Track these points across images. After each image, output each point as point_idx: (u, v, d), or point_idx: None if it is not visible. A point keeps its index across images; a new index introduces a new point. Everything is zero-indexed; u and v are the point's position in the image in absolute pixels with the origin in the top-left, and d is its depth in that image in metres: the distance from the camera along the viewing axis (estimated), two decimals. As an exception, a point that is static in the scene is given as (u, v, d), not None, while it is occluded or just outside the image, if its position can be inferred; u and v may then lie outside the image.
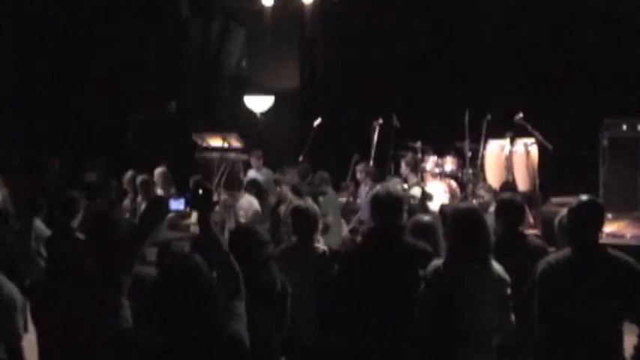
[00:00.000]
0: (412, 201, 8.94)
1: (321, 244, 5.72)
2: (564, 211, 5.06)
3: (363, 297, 4.85)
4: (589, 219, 4.49)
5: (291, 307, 5.13)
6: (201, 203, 3.70)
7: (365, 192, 10.55)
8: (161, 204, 3.87)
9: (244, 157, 12.28)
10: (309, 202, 6.00)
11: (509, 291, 4.60)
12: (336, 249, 7.16)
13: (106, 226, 4.26)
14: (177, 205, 3.81)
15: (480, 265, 4.57)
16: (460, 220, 4.71)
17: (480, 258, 4.58)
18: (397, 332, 4.71)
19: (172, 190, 10.47)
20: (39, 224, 7.28)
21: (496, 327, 4.59)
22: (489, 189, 9.17)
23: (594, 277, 4.37)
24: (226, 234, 9.06)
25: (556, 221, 5.16)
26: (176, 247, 4.92)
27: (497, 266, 4.63)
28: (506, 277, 4.62)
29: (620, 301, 4.36)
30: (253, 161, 12.07)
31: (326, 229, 8.74)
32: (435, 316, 4.52)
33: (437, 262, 4.67)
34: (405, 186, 10.63)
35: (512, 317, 4.63)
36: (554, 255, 4.64)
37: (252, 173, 11.77)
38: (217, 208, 9.05)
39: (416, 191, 9.77)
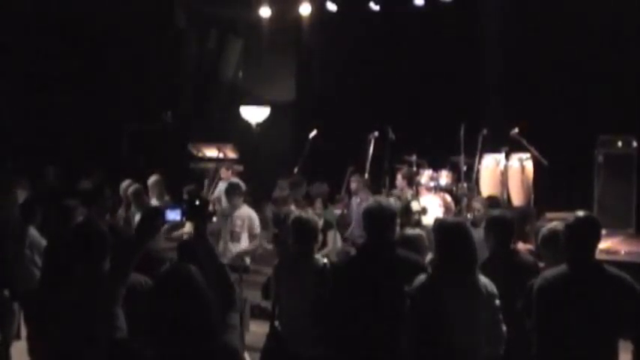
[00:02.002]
0: (416, 216, 8.93)
1: (319, 256, 5.68)
2: (547, 226, 5.13)
3: (357, 310, 4.83)
4: (586, 235, 4.51)
5: (289, 319, 5.11)
6: (197, 214, 3.69)
7: (356, 204, 10.55)
8: (156, 215, 3.86)
9: (240, 167, 12.27)
10: (310, 212, 5.94)
11: (497, 302, 4.60)
12: (333, 261, 7.15)
13: (92, 235, 4.22)
14: (173, 215, 3.80)
15: (466, 278, 4.58)
16: (446, 233, 4.72)
17: (465, 271, 4.58)
18: (392, 345, 4.69)
19: (167, 198, 10.46)
20: (33, 232, 7.25)
21: (486, 339, 4.59)
22: (485, 202, 9.18)
23: (591, 294, 4.38)
24: (221, 245, 9.07)
25: (539, 237, 5.21)
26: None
27: (484, 279, 4.64)
28: (494, 289, 4.62)
29: (616, 318, 4.37)
30: (222, 172, 11.91)
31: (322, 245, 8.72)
32: (421, 331, 4.51)
33: (421, 276, 4.65)
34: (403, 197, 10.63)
35: (504, 328, 4.62)
36: (550, 271, 4.64)
37: (221, 185, 11.61)
38: (214, 218, 9.02)
39: (416, 206, 9.78)
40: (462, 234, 4.66)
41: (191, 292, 3.03)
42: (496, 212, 6.32)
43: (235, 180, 10.89)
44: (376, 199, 5.25)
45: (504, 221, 5.75)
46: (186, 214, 3.76)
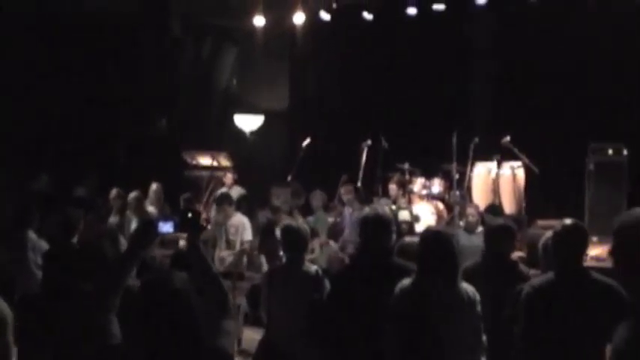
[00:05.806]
0: (404, 226, 8.96)
1: (311, 263, 5.73)
2: (548, 234, 5.12)
3: (353, 317, 4.85)
4: (573, 242, 4.53)
5: (281, 326, 5.15)
6: (190, 226, 3.75)
7: (349, 213, 10.60)
8: (150, 227, 3.92)
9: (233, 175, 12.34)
10: (299, 220, 5.99)
11: (479, 309, 4.62)
12: (325, 268, 7.21)
13: (99, 256, 4.28)
14: (166, 228, 3.85)
15: (448, 285, 4.59)
16: (429, 242, 4.72)
17: (447, 279, 4.59)
18: None
19: (166, 207, 10.56)
20: (32, 236, 7.24)
21: (469, 346, 4.63)
22: (478, 209, 9.27)
23: (578, 301, 4.40)
24: (216, 253, 9.13)
25: (540, 244, 5.22)
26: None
27: (465, 285, 4.65)
28: (476, 295, 4.64)
29: (602, 325, 4.39)
30: (227, 178, 12.08)
31: (315, 250, 8.77)
32: (404, 334, 4.55)
33: (404, 282, 4.65)
34: (393, 207, 10.69)
35: (484, 337, 4.66)
36: (538, 279, 4.68)
37: (223, 191, 11.73)
38: (209, 226, 9.13)
39: (405, 215, 9.81)
40: (444, 242, 4.65)
41: (173, 299, 3.06)
42: (499, 221, 6.36)
43: (226, 190, 10.98)
44: (372, 207, 5.29)
45: (505, 231, 5.80)
46: (179, 227, 3.82)
